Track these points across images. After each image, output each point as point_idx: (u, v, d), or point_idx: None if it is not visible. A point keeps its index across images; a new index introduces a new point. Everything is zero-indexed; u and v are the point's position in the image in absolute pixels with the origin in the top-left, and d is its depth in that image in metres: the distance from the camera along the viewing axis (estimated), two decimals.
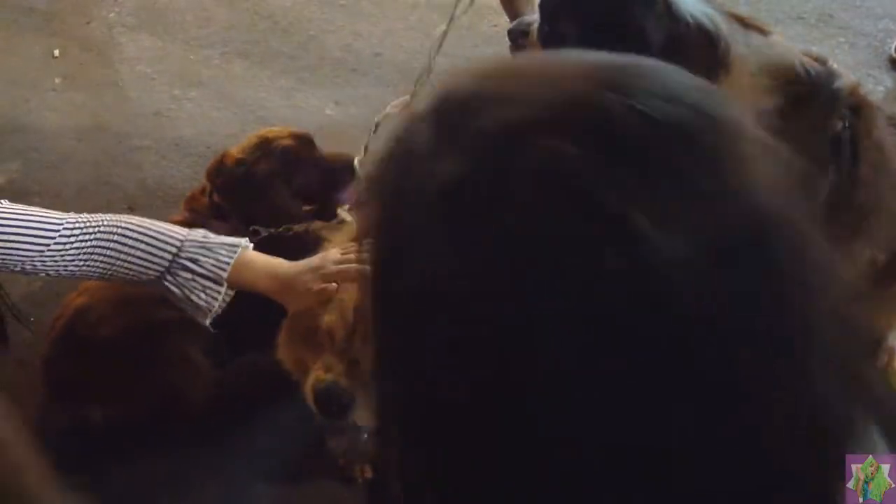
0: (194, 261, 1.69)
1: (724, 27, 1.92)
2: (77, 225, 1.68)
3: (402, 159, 0.69)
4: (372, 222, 0.72)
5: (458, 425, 0.72)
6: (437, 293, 0.67)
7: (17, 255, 1.65)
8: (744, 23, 1.98)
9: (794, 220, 0.65)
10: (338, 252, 1.72)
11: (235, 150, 2.42)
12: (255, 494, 2.24)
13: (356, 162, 2.46)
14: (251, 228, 2.28)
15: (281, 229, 2.31)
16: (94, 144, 3.17)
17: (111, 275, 1.72)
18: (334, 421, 1.67)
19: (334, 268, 1.66)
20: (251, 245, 1.76)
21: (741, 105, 0.68)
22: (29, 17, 3.72)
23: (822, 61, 2.01)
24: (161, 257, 1.68)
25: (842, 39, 3.38)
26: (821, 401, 0.66)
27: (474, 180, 0.62)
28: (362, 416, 1.62)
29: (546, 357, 0.64)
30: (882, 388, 0.73)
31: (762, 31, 1.99)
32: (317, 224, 2.36)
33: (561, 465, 0.69)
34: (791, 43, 2.07)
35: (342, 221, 2.28)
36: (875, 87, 3.10)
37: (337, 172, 2.40)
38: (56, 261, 1.67)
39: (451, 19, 3.02)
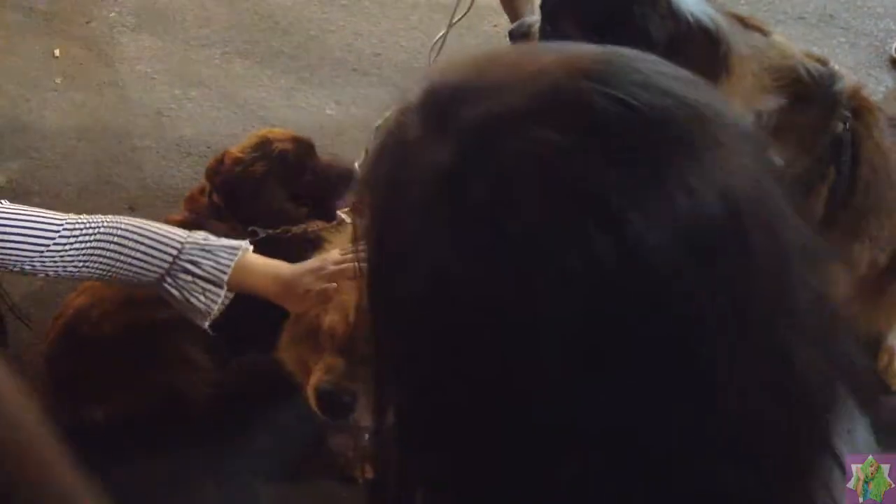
0: (195, 263, 1.69)
1: (726, 27, 1.92)
2: (77, 226, 1.68)
3: (394, 150, 0.70)
4: (368, 217, 0.73)
5: (461, 428, 0.72)
6: (436, 289, 0.68)
7: (17, 256, 1.65)
8: (744, 23, 1.98)
9: (770, 207, 0.66)
10: (337, 253, 1.71)
11: (235, 150, 2.42)
12: (254, 494, 2.24)
13: (356, 165, 2.46)
14: (250, 229, 2.28)
15: (279, 230, 2.31)
16: (95, 144, 3.17)
17: (111, 276, 1.72)
18: (336, 421, 1.67)
19: (334, 268, 1.66)
20: (251, 248, 1.76)
21: (722, 96, 0.69)
22: (29, 17, 3.72)
23: (823, 62, 2.01)
24: (161, 259, 1.68)
25: (843, 39, 3.38)
26: (800, 375, 0.68)
27: (464, 169, 0.64)
28: (364, 417, 1.62)
29: (546, 351, 0.65)
30: (858, 359, 0.75)
31: (763, 32, 1.99)
32: (316, 225, 2.35)
33: (564, 468, 0.69)
34: (792, 43, 2.07)
35: (342, 223, 2.27)
36: (876, 87, 3.10)
37: (334, 179, 2.40)
38: (55, 261, 1.67)
39: (451, 24, 3.02)
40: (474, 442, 0.72)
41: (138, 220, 1.75)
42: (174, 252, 1.68)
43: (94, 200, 2.92)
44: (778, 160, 1.97)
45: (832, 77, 1.99)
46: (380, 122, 2.44)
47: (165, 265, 1.68)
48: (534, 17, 2.25)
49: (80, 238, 1.67)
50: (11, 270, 1.69)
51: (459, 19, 3.04)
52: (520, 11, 2.92)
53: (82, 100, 3.35)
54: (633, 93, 0.63)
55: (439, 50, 3.07)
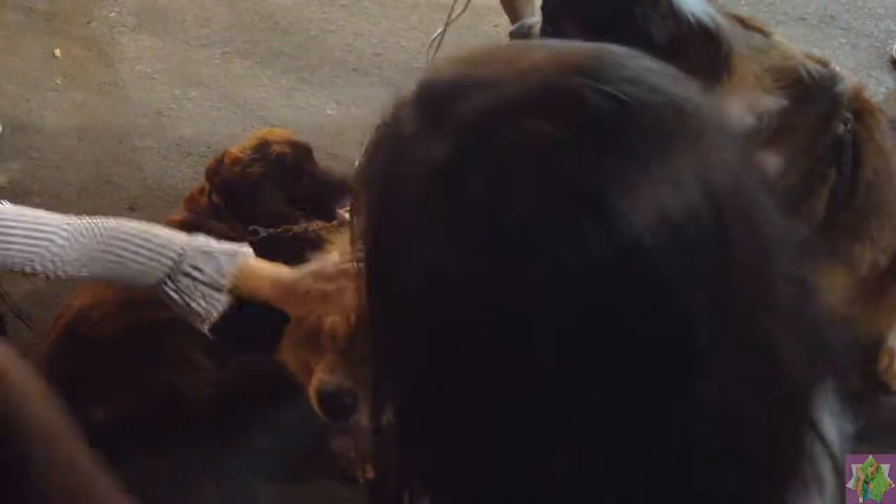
0: (196, 267, 1.69)
1: (727, 27, 1.92)
2: (78, 228, 1.68)
3: (390, 145, 0.71)
4: (364, 212, 0.74)
5: (457, 423, 0.73)
6: (431, 283, 0.68)
7: (18, 257, 1.65)
8: (745, 24, 1.98)
9: (750, 201, 0.68)
10: (337, 255, 1.72)
11: (236, 150, 2.42)
12: (254, 494, 2.24)
13: (357, 163, 2.46)
14: (251, 228, 2.28)
15: (280, 229, 2.31)
16: (95, 144, 3.17)
17: (111, 278, 1.72)
18: (338, 423, 1.67)
19: (334, 270, 1.66)
20: (252, 252, 1.76)
21: (702, 91, 0.71)
22: (30, 17, 3.72)
23: (824, 63, 2.01)
24: (162, 263, 1.68)
25: (843, 40, 3.38)
26: (782, 370, 0.70)
27: (460, 162, 0.65)
28: (365, 418, 1.62)
29: (541, 345, 0.66)
30: (838, 344, 0.77)
31: (764, 33, 2.00)
32: (316, 224, 2.35)
33: (561, 464, 0.69)
34: (793, 44, 2.07)
35: (343, 222, 2.27)
36: (877, 88, 3.10)
37: (333, 185, 2.39)
38: (55, 263, 1.66)
39: (448, 21, 3.03)
40: (470, 437, 0.72)
41: (140, 223, 1.75)
42: (175, 256, 1.68)
43: (95, 200, 2.92)
44: (777, 161, 1.97)
45: (833, 78, 1.99)
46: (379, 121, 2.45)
47: (166, 269, 1.68)
48: (534, 18, 2.25)
49: (81, 240, 1.67)
50: (12, 271, 1.69)
51: (458, 16, 3.04)
52: (520, 12, 2.92)
53: (82, 100, 3.35)
54: (623, 88, 0.65)
55: (437, 47, 3.07)
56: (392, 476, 0.82)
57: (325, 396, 1.63)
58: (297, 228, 2.32)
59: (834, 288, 2.16)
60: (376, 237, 0.74)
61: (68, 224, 1.69)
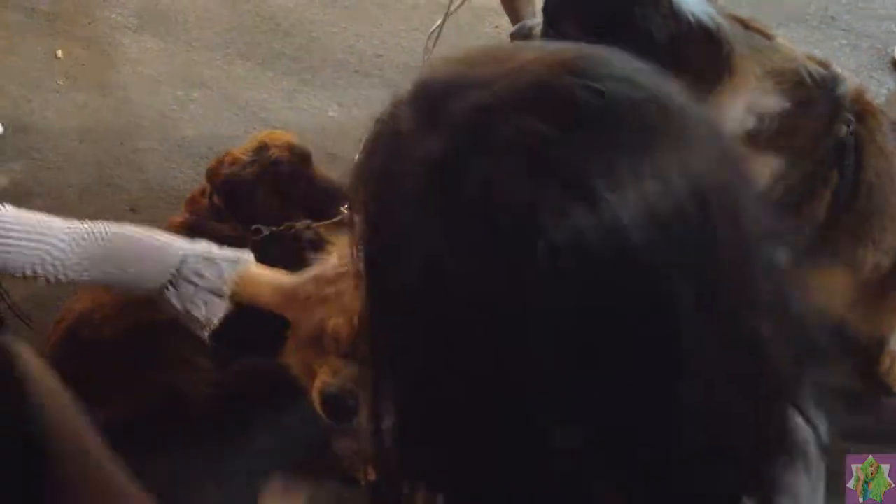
0: (198, 274, 1.69)
1: (728, 28, 1.92)
2: (79, 232, 1.68)
3: (388, 142, 0.73)
4: (362, 209, 0.76)
5: (456, 423, 0.74)
6: (431, 282, 0.69)
7: (18, 260, 1.65)
8: (746, 25, 1.98)
9: (734, 198, 0.70)
10: (336, 258, 1.72)
11: (237, 151, 2.42)
12: (255, 495, 2.24)
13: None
14: (253, 227, 2.28)
15: (283, 227, 2.31)
16: (97, 145, 3.17)
17: (111, 283, 1.71)
18: (341, 425, 1.67)
19: (333, 273, 1.66)
20: (253, 258, 1.76)
21: (683, 90, 0.73)
22: (32, 18, 3.72)
23: (825, 65, 2.01)
24: (164, 269, 1.68)
25: (844, 41, 3.38)
26: (769, 361, 0.73)
27: (456, 158, 0.67)
28: (367, 418, 1.62)
29: (539, 344, 0.67)
30: (822, 339, 0.80)
31: (765, 35, 2.00)
32: (318, 222, 2.35)
33: (560, 463, 0.70)
34: (794, 46, 2.07)
35: (344, 220, 2.27)
36: (878, 89, 3.10)
37: (329, 193, 2.39)
38: (56, 267, 1.66)
39: (447, 14, 3.03)
40: (469, 436, 0.73)
41: (142, 228, 1.75)
42: (177, 262, 1.68)
43: (96, 202, 2.93)
44: (779, 163, 1.97)
45: (835, 80, 1.99)
46: None
47: (168, 275, 1.68)
48: (535, 20, 2.25)
49: (83, 244, 1.67)
50: (13, 275, 1.68)
51: (456, 9, 3.05)
52: (521, 13, 2.92)
53: (84, 101, 3.35)
54: (611, 86, 0.68)
55: (436, 40, 3.07)
56: (391, 473, 0.83)
57: (328, 398, 1.62)
58: (299, 225, 2.32)
59: (836, 290, 2.16)
60: (374, 235, 0.75)
61: (69, 228, 1.68)
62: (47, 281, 1.69)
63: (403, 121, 0.72)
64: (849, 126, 1.99)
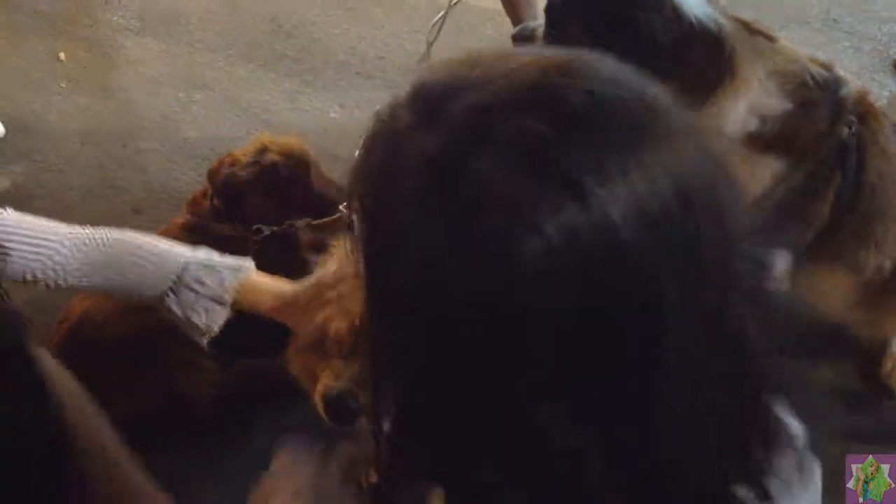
0: (199, 281, 1.69)
1: (730, 31, 1.92)
2: (80, 238, 1.68)
3: (387, 140, 0.75)
4: (361, 207, 0.77)
5: (455, 423, 0.74)
6: (430, 280, 0.71)
7: (19, 265, 1.65)
8: (749, 28, 1.98)
9: (717, 197, 0.73)
10: (335, 263, 1.72)
11: (238, 153, 2.42)
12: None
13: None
14: (255, 227, 2.28)
15: (284, 226, 2.31)
16: (99, 147, 3.17)
17: (111, 290, 1.72)
18: (343, 427, 1.67)
19: (333, 277, 1.67)
20: (254, 266, 1.76)
21: (667, 93, 0.76)
22: (34, 20, 3.72)
23: (827, 67, 2.01)
24: (165, 276, 1.68)
25: (846, 44, 3.38)
26: (753, 361, 0.75)
27: (454, 153, 0.70)
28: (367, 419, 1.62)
29: (538, 343, 0.69)
30: (801, 326, 0.83)
31: (768, 37, 2.00)
32: (319, 221, 2.35)
33: (560, 463, 0.72)
34: (797, 48, 2.07)
35: (343, 217, 2.27)
36: (880, 91, 3.10)
37: (325, 201, 2.38)
38: (56, 272, 1.66)
39: (449, 6, 3.03)
40: (469, 437, 0.75)
41: (143, 235, 1.75)
42: (178, 269, 1.68)
43: (99, 204, 2.93)
44: (782, 165, 1.98)
45: (837, 82, 1.99)
46: None
47: (169, 282, 1.68)
48: (537, 21, 2.25)
49: (84, 250, 1.67)
50: (13, 279, 1.69)
51: (455, 4, 3.05)
52: (522, 16, 2.92)
53: (86, 103, 3.36)
54: (602, 89, 0.71)
55: (438, 32, 3.07)
56: (393, 476, 0.83)
57: (330, 401, 1.62)
58: (299, 224, 2.32)
59: (838, 292, 2.16)
60: (373, 233, 0.77)
61: (71, 233, 1.69)
62: (47, 286, 1.69)
63: (402, 120, 0.74)
64: (851, 127, 1.99)
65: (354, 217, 0.79)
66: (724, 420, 0.75)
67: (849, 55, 3.31)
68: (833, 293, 2.17)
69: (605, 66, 0.74)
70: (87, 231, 1.70)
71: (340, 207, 2.34)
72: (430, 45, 3.07)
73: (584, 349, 0.69)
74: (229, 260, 1.74)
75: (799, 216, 2.03)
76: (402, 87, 0.77)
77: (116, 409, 2.20)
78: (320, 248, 2.21)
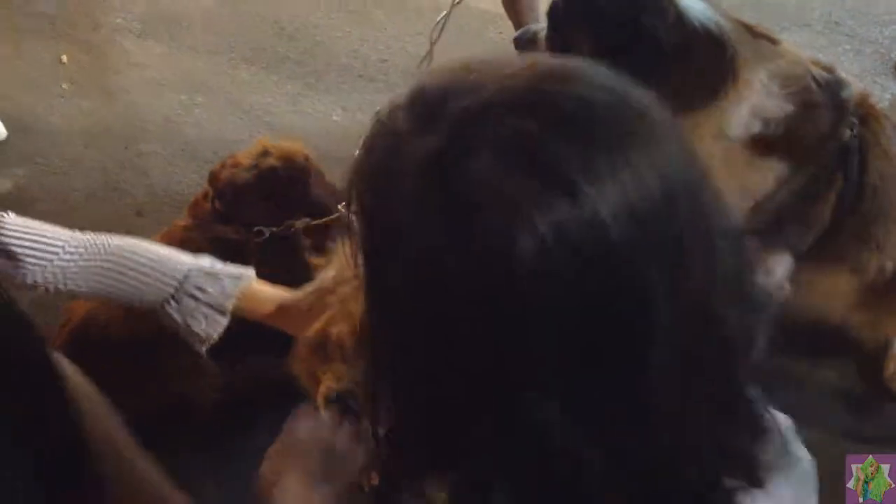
0: (201, 289, 1.70)
1: (733, 35, 1.92)
2: (82, 243, 1.69)
3: (386, 140, 0.77)
4: (360, 207, 0.79)
5: (455, 422, 0.76)
6: (428, 277, 0.73)
7: (20, 268, 1.65)
8: (752, 31, 1.99)
9: (698, 194, 0.76)
10: (334, 269, 1.73)
11: (240, 155, 2.42)
12: (255, 498, 2.24)
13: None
14: (255, 229, 2.28)
15: (283, 226, 2.31)
16: (102, 150, 3.18)
17: (111, 296, 1.72)
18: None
19: (333, 282, 1.67)
20: (254, 274, 1.77)
21: (653, 97, 0.78)
22: (36, 23, 3.73)
23: (829, 70, 2.02)
24: (166, 284, 1.68)
25: (848, 46, 3.38)
26: (733, 342, 0.79)
27: (451, 152, 0.72)
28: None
29: (538, 342, 0.71)
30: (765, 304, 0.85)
31: (771, 40, 2.00)
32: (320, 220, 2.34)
33: (560, 462, 0.73)
34: (800, 51, 2.08)
35: (343, 215, 2.27)
36: (881, 94, 3.10)
37: (321, 209, 2.38)
38: (57, 276, 1.67)
39: (453, 5, 3.04)
40: (469, 436, 0.74)
41: (144, 241, 1.76)
42: (180, 277, 1.69)
43: (101, 206, 2.93)
44: (784, 167, 1.98)
45: (839, 84, 2.00)
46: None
47: (170, 289, 1.69)
48: (539, 25, 2.26)
49: (85, 256, 1.67)
50: (13, 283, 1.69)
51: (458, 3, 3.06)
52: (523, 19, 2.93)
53: (89, 106, 3.36)
54: (592, 93, 0.75)
55: (440, 32, 3.07)
56: (393, 475, 0.84)
57: (332, 403, 1.63)
58: (299, 224, 2.32)
59: (840, 293, 2.16)
60: (372, 232, 0.78)
61: (72, 238, 1.69)
62: (46, 290, 1.69)
63: (401, 121, 0.76)
64: (852, 130, 1.99)
65: (354, 216, 0.81)
66: (713, 414, 0.78)
67: (850, 58, 3.31)
68: (835, 295, 2.17)
69: (594, 73, 0.78)
70: (89, 236, 1.71)
71: (339, 207, 2.34)
72: (432, 45, 3.08)
73: (582, 346, 0.71)
74: (231, 268, 1.74)
75: (801, 218, 2.04)
76: (404, 90, 0.79)
77: (119, 410, 2.22)
78: (320, 249, 2.21)
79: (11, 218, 1.68)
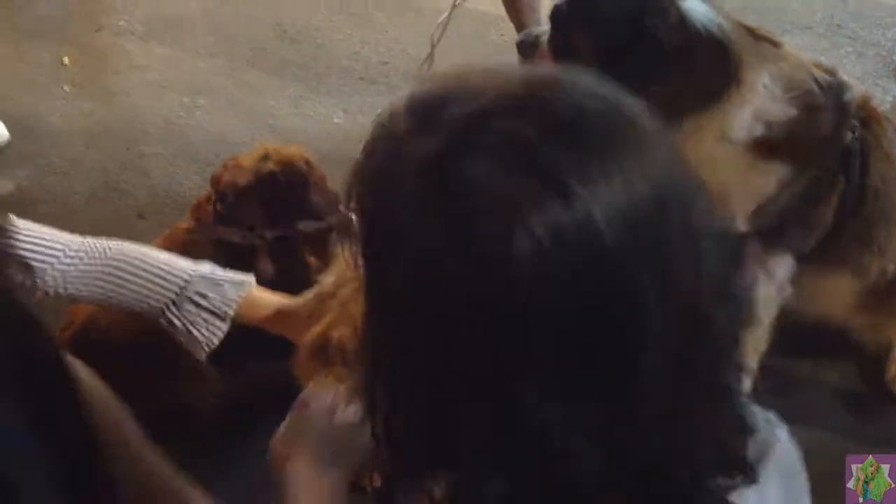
0: (202, 295, 1.70)
1: (736, 38, 1.92)
2: (83, 248, 1.69)
3: (386, 143, 0.78)
4: (360, 209, 0.80)
5: (455, 424, 0.76)
6: (428, 279, 0.74)
7: (35, 276, 1.66)
8: (754, 34, 1.99)
9: (686, 198, 0.78)
10: (334, 275, 1.73)
11: (242, 158, 2.42)
12: (254, 499, 2.24)
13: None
14: (257, 232, 2.28)
15: (285, 230, 2.31)
16: (103, 151, 3.18)
17: (111, 302, 1.72)
18: None
19: (333, 287, 1.67)
20: (255, 281, 1.77)
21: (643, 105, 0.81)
22: (38, 25, 3.73)
23: (831, 73, 2.02)
24: (167, 290, 1.69)
25: (850, 49, 3.38)
26: (722, 342, 0.81)
27: (450, 155, 0.74)
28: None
29: (537, 344, 0.72)
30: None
31: (773, 43, 2.00)
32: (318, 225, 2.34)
33: (560, 465, 0.74)
34: (802, 54, 2.08)
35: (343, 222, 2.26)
36: (883, 96, 3.10)
37: (324, 209, 2.38)
38: (57, 280, 1.67)
39: (454, 6, 3.04)
40: (469, 437, 0.75)
41: (145, 247, 1.76)
42: (181, 283, 1.69)
43: (103, 208, 2.93)
44: (786, 170, 1.98)
45: (841, 87, 2.00)
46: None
47: (171, 295, 1.69)
48: (541, 27, 2.25)
49: (86, 260, 1.67)
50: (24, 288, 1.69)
51: (462, 1, 3.06)
52: (525, 22, 2.92)
53: (90, 107, 3.36)
54: (585, 99, 0.77)
55: (442, 32, 3.07)
56: (393, 476, 0.84)
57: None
58: (301, 227, 2.32)
59: (841, 296, 2.16)
60: (372, 234, 0.79)
61: (72, 242, 1.69)
62: (46, 294, 1.69)
63: (401, 125, 0.78)
64: (854, 132, 1.99)
65: (354, 218, 0.82)
66: (704, 415, 0.79)
67: (852, 60, 3.31)
68: (836, 297, 2.17)
69: (587, 81, 0.80)
70: (89, 240, 1.71)
71: (340, 208, 2.34)
72: (433, 47, 3.08)
73: (579, 348, 0.73)
74: (232, 274, 1.75)
75: (803, 221, 2.04)
76: (405, 93, 0.81)
77: None
78: (320, 252, 2.21)
79: (12, 221, 1.68)
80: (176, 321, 1.71)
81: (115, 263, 1.69)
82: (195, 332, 1.71)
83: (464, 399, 0.75)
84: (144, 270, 1.69)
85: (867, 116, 2.03)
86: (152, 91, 3.42)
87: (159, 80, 3.46)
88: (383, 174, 0.78)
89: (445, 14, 3.09)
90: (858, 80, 2.36)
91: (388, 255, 0.77)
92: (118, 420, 1.00)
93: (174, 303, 1.70)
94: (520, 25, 2.93)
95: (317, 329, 1.72)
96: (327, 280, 1.74)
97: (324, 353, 1.69)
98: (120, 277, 1.69)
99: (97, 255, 1.69)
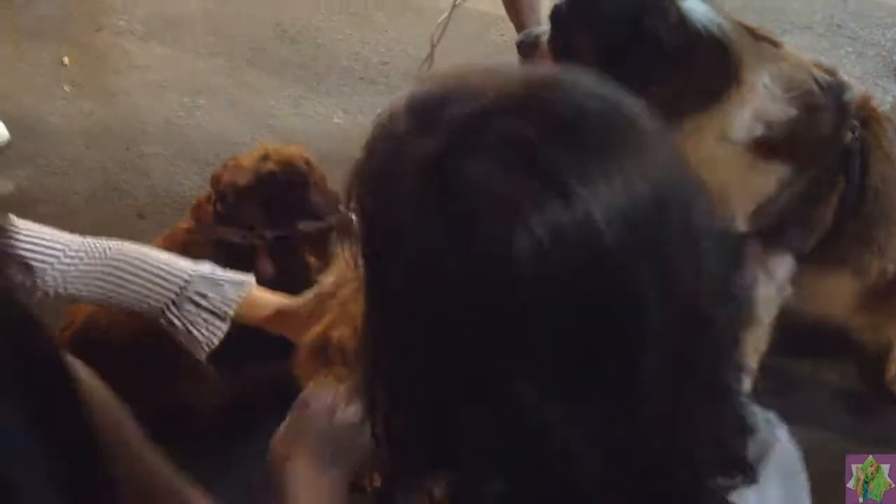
0: (202, 295, 1.70)
1: (736, 38, 1.93)
2: (83, 248, 1.69)
3: (386, 143, 0.78)
4: (360, 210, 0.80)
5: (455, 424, 0.76)
6: (428, 279, 0.74)
7: (35, 276, 1.66)
8: (754, 34, 1.99)
9: (685, 198, 0.78)
10: (334, 276, 1.73)
11: (243, 158, 2.42)
12: (254, 499, 2.24)
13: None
14: (257, 232, 2.29)
15: (285, 230, 2.31)
16: (103, 151, 3.18)
17: (111, 302, 1.72)
18: None
19: (333, 287, 1.67)
20: (255, 281, 1.77)
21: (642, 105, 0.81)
22: (38, 25, 3.73)
23: (831, 73, 2.02)
24: (167, 290, 1.69)
25: (850, 49, 3.38)
26: (712, 324, 0.80)
27: (450, 155, 0.74)
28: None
29: (537, 344, 0.72)
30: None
31: (773, 43, 2.00)
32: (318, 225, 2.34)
33: (561, 465, 0.74)
34: (802, 54, 2.08)
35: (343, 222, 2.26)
36: (883, 96, 3.10)
37: (323, 210, 2.38)
38: (57, 280, 1.67)
39: (454, 6, 3.04)
40: (469, 436, 0.75)
41: (145, 247, 1.76)
42: (181, 283, 1.69)
43: (103, 208, 2.94)
44: (786, 170, 1.98)
45: (841, 87, 2.00)
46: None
47: (171, 295, 1.69)
48: (542, 27, 2.26)
49: (86, 260, 1.67)
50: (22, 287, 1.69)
51: (462, 1, 3.06)
52: (525, 22, 2.93)
53: (91, 107, 3.36)
54: (585, 100, 0.77)
55: (442, 32, 3.07)
56: (393, 476, 0.84)
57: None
58: (301, 227, 2.32)
59: (841, 296, 2.16)
60: (373, 234, 0.80)
61: (72, 242, 1.69)
62: (46, 294, 1.69)
63: (401, 125, 0.78)
64: (854, 132, 1.99)
65: (354, 218, 0.82)
66: (704, 415, 0.79)
67: (852, 60, 3.31)
68: (836, 297, 2.17)
69: (587, 81, 0.80)
70: (89, 240, 1.71)
71: (340, 208, 2.34)
72: (433, 47, 3.08)
73: (579, 348, 0.73)
74: (232, 274, 1.75)
75: (803, 221, 2.04)
76: (405, 92, 0.81)
77: None
78: (320, 252, 2.21)
79: (12, 221, 1.69)
80: (176, 321, 1.71)
81: (115, 263, 1.69)
82: (195, 332, 1.71)
83: (464, 399, 0.75)
84: (144, 270, 1.69)
85: (867, 116, 2.03)
86: (152, 91, 3.42)
87: (159, 80, 3.46)
88: (383, 174, 0.78)
89: (445, 14, 3.09)
90: (858, 80, 2.36)
91: (388, 255, 0.77)
92: (118, 420, 1.00)
93: (174, 303, 1.70)
94: (520, 25, 2.93)
95: (317, 329, 1.72)
96: (327, 280, 1.74)
97: (324, 353, 1.69)
98: (120, 277, 1.69)
99: (97, 255, 1.69)
